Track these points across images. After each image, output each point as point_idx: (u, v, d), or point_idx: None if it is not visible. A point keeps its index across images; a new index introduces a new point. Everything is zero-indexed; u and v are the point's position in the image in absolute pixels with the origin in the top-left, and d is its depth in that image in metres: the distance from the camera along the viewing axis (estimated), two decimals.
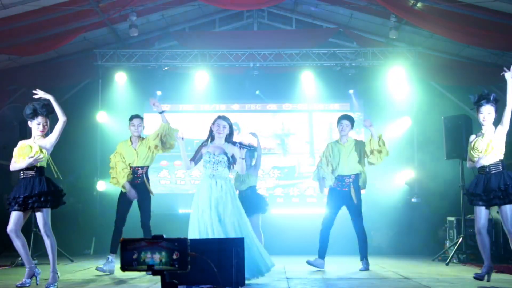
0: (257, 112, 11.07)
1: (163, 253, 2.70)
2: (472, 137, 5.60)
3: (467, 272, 6.81)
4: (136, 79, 10.59)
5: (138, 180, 6.72)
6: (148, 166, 6.82)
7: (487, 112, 5.42)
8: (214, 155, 5.53)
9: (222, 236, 5.28)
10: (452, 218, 8.70)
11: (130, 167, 6.74)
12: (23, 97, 10.59)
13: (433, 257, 8.52)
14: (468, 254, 8.14)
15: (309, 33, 10.77)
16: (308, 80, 10.68)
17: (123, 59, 10.41)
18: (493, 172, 5.37)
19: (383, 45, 10.54)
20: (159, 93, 10.72)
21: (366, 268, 6.96)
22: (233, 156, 5.66)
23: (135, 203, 6.85)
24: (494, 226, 8.42)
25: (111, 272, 6.53)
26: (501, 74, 5.39)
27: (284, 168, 10.73)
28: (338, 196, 7.08)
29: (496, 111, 5.45)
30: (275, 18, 11.07)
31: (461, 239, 8.18)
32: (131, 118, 6.87)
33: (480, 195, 5.43)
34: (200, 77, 10.60)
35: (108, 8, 8.62)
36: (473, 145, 5.46)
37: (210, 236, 5.31)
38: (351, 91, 10.66)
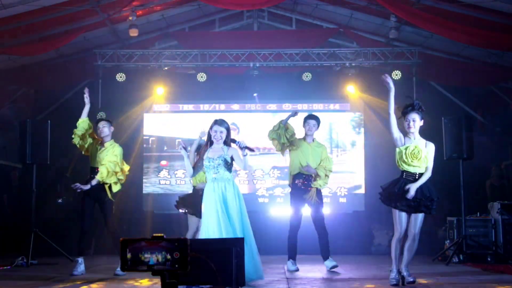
0: (257, 112, 11.05)
1: (163, 253, 2.70)
2: (401, 138, 5.62)
3: (467, 272, 6.81)
4: (136, 79, 10.57)
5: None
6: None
7: (411, 118, 5.61)
8: (213, 159, 5.57)
9: (231, 236, 5.30)
10: (452, 218, 8.70)
11: (91, 167, 6.76)
12: (23, 97, 10.61)
13: (433, 257, 8.51)
14: (468, 254, 8.12)
15: (309, 33, 10.76)
16: (308, 80, 10.66)
17: (123, 59, 10.39)
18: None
19: (383, 45, 10.52)
20: (159, 90, 10.69)
21: (335, 265, 6.89)
22: (232, 157, 5.67)
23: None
24: (494, 226, 8.42)
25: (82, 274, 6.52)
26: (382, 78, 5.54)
27: (284, 168, 10.68)
28: (302, 195, 7.05)
29: (422, 119, 5.62)
30: (275, 18, 11.06)
31: (461, 239, 8.17)
32: (96, 122, 6.88)
33: (407, 200, 5.48)
34: (200, 77, 10.59)
35: (108, 8, 8.62)
36: (412, 150, 5.52)
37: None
38: (351, 87, 10.61)
